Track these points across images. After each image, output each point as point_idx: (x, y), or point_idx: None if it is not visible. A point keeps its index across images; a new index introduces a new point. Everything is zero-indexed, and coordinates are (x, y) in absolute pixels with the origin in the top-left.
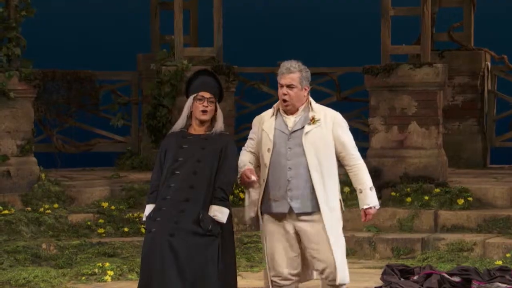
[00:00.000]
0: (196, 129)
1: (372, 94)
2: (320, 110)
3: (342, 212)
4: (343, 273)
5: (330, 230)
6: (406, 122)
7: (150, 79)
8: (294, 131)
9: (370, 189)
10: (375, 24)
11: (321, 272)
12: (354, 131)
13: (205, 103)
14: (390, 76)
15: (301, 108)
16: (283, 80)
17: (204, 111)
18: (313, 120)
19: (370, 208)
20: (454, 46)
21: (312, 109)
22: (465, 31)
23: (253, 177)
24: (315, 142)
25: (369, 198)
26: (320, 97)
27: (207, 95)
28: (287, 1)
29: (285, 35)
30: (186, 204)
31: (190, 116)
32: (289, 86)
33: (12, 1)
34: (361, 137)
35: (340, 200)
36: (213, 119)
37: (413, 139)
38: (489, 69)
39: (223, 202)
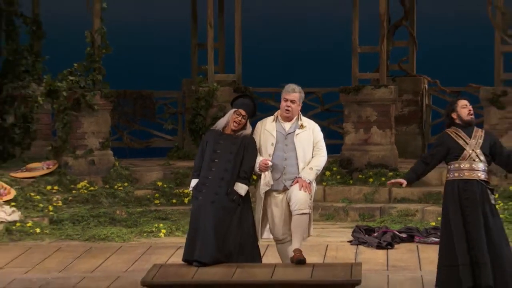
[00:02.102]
0: (229, 131)
1: (345, 107)
2: (306, 121)
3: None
4: (306, 204)
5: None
6: (369, 126)
7: (191, 96)
8: (289, 133)
9: (310, 168)
10: (348, 58)
11: (293, 207)
12: (332, 132)
13: (240, 118)
14: (358, 94)
15: (294, 118)
16: (289, 96)
17: (237, 123)
18: (301, 127)
19: (300, 178)
20: (402, 73)
21: (301, 119)
22: (410, 63)
23: (270, 163)
24: (302, 141)
25: (303, 172)
26: (309, 109)
27: (243, 112)
28: (288, 43)
29: (286, 65)
30: (222, 181)
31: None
32: (292, 101)
33: (96, 42)
34: (338, 136)
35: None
36: (243, 127)
37: (374, 138)
38: (427, 89)
39: (244, 181)
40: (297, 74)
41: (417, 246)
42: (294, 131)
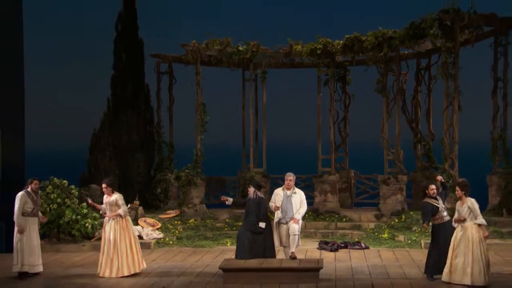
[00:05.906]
0: (251, 197)
1: (315, 184)
2: (297, 190)
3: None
4: (296, 230)
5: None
6: (326, 193)
7: (242, 178)
8: (289, 196)
9: (298, 213)
10: (315, 160)
11: (290, 232)
12: (309, 196)
13: (249, 190)
14: (321, 178)
15: (292, 188)
16: (288, 177)
17: (248, 193)
18: (295, 193)
19: (293, 217)
20: (341, 168)
21: (295, 189)
22: (344, 163)
23: (279, 207)
24: (295, 200)
25: (295, 215)
26: (297, 185)
27: (251, 188)
28: (288, 154)
29: (288, 164)
30: (252, 221)
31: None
32: (290, 180)
33: (198, 153)
34: (311, 198)
35: (302, 219)
36: (252, 193)
37: (329, 199)
38: (353, 176)
39: (264, 220)
40: (292, 167)
41: (349, 250)
42: (291, 195)
